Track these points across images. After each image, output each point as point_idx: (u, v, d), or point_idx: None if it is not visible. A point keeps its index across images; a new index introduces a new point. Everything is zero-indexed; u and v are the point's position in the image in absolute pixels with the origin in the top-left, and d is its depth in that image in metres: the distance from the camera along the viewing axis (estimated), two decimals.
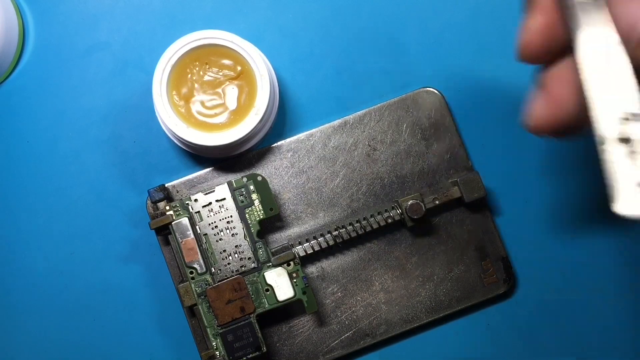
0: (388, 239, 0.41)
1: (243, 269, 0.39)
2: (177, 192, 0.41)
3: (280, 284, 0.38)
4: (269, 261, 0.39)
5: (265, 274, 0.39)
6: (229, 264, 0.39)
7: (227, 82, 0.39)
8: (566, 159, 0.43)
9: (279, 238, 0.41)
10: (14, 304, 0.41)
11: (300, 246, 0.40)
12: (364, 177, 0.41)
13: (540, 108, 0.28)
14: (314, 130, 0.41)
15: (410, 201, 0.39)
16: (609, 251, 0.42)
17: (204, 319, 0.38)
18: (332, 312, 0.41)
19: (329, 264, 0.41)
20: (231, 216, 0.39)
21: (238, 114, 0.39)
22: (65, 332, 0.41)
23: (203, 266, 0.38)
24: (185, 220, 0.39)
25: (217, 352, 0.38)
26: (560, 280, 0.42)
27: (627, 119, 0.25)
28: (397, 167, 0.41)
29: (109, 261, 0.41)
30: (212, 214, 0.39)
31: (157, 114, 0.39)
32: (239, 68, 0.39)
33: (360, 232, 0.40)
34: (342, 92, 0.42)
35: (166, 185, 0.40)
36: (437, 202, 0.40)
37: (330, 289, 0.41)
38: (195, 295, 0.38)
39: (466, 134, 0.42)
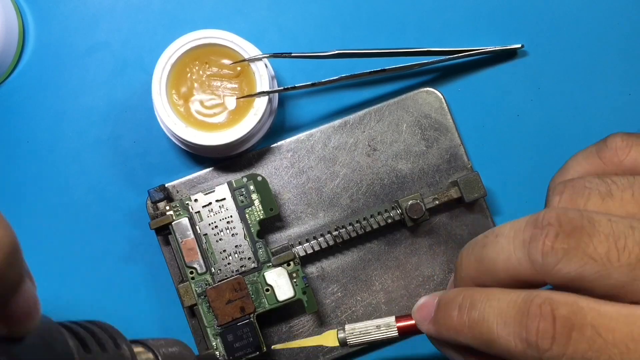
0: (388, 239, 0.41)
1: (243, 269, 0.39)
2: (177, 192, 0.41)
3: (280, 284, 0.38)
4: (269, 261, 0.39)
5: (265, 274, 0.39)
6: (229, 264, 0.39)
7: (227, 82, 0.39)
8: (567, 158, 0.42)
9: (279, 238, 0.41)
10: None
11: (300, 246, 0.40)
12: (364, 177, 0.41)
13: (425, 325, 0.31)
14: (314, 130, 0.41)
15: (410, 201, 0.39)
16: None
17: (204, 319, 0.38)
18: (332, 312, 0.41)
19: (329, 264, 0.41)
20: (231, 216, 0.39)
21: (237, 114, 0.39)
22: None
23: (203, 266, 0.38)
24: (185, 220, 0.39)
25: (217, 352, 0.38)
26: None
27: None
28: (397, 167, 0.41)
29: (109, 261, 0.41)
30: (212, 214, 0.39)
31: (156, 113, 0.39)
32: (238, 68, 0.39)
33: (360, 232, 0.40)
34: (342, 92, 0.42)
35: (166, 185, 0.40)
36: (437, 202, 0.40)
37: (330, 289, 0.41)
38: (195, 295, 0.38)
39: (466, 134, 0.42)
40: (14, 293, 0.19)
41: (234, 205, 0.39)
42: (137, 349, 0.27)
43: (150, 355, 0.28)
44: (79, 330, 0.23)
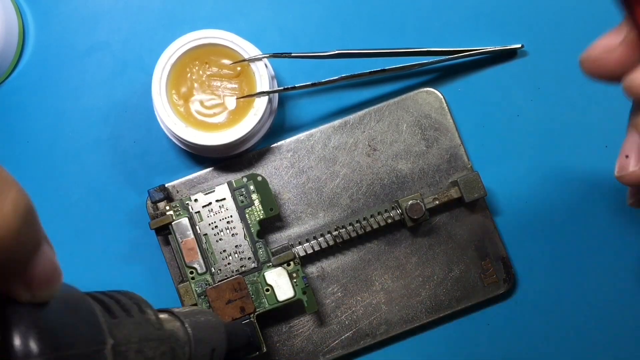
0: (388, 239, 0.41)
1: (243, 269, 0.39)
2: (177, 192, 0.41)
3: (280, 284, 0.38)
4: (269, 261, 0.39)
5: (265, 274, 0.39)
6: (229, 264, 0.39)
7: (227, 82, 0.39)
8: (567, 158, 0.43)
9: (279, 238, 0.41)
10: None
11: (300, 246, 0.40)
12: (364, 177, 0.41)
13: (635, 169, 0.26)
14: (314, 130, 0.41)
15: (410, 201, 0.39)
16: (609, 251, 0.42)
17: None
18: (332, 312, 0.41)
19: (329, 264, 0.41)
20: (231, 216, 0.39)
21: (237, 114, 0.39)
22: None
23: (203, 266, 0.38)
24: (185, 220, 0.39)
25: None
26: (560, 280, 0.42)
27: None
28: (397, 167, 0.41)
29: (109, 261, 0.41)
30: (212, 214, 0.39)
31: (156, 113, 0.39)
32: (238, 68, 0.39)
33: (360, 232, 0.40)
34: (342, 92, 0.42)
35: (166, 185, 0.40)
36: (437, 202, 0.40)
37: (330, 289, 0.41)
38: (195, 295, 0.38)
39: (466, 134, 0.42)
40: (32, 255, 0.19)
41: (234, 205, 0.39)
42: (163, 316, 0.27)
43: (177, 323, 0.27)
44: (104, 297, 0.23)
